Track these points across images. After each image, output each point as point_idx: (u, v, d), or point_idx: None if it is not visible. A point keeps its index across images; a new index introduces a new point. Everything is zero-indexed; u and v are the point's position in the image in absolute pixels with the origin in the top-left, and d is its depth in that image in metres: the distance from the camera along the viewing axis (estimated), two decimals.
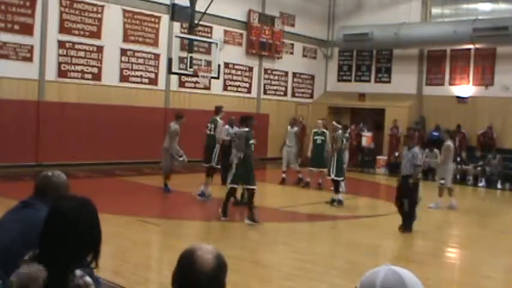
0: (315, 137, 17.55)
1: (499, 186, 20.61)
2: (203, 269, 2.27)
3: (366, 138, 23.21)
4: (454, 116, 23.48)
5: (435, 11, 25.77)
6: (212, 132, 14.65)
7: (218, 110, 15.00)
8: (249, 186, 12.01)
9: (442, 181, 15.14)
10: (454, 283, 8.90)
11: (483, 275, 9.25)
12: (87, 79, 19.17)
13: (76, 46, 18.81)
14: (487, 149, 21.91)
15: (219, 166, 14.84)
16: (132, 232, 10.53)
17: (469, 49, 23.74)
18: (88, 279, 2.68)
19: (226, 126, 16.22)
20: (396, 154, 23.37)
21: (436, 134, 23.88)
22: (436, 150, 21.87)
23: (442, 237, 12.34)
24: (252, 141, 12.09)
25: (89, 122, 18.84)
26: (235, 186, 12.15)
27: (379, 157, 23.89)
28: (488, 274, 9.30)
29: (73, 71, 18.79)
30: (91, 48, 19.18)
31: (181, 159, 15.28)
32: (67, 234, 2.67)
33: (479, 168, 21.04)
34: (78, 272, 2.66)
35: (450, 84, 24.74)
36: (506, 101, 22.75)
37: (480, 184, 20.81)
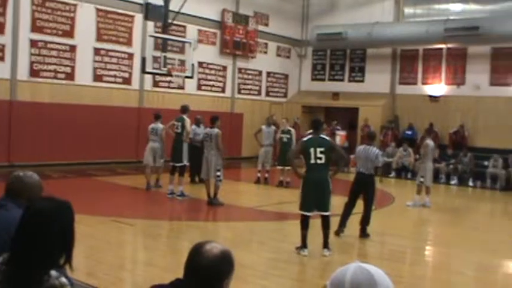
0: (281, 135, 17.66)
1: (470, 183, 20.90)
2: (205, 255, 2.53)
3: (340, 137, 23.32)
4: (426, 115, 23.75)
5: (408, 11, 26.00)
6: (180, 131, 14.67)
7: (185, 109, 15.01)
8: (322, 213, 9.45)
9: (422, 179, 15.27)
10: (427, 280, 8.99)
11: (455, 272, 9.37)
12: (60, 78, 19.01)
13: (48, 45, 18.64)
14: (459, 147, 22.17)
15: (188, 164, 14.91)
16: (105, 232, 10.47)
17: (441, 49, 24.02)
18: (64, 279, 2.67)
19: (193, 126, 16.23)
20: None
21: (409, 132, 24.13)
22: (410, 149, 22.18)
23: (415, 235, 12.46)
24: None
25: (62, 122, 18.68)
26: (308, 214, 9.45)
27: (352, 156, 23.96)
28: (460, 270, 9.42)
29: (46, 71, 18.62)
30: (64, 48, 19.02)
31: (162, 160, 15.57)
32: (40, 234, 2.67)
33: (451, 166, 21.29)
34: (53, 273, 2.65)
35: (423, 83, 24.99)
36: (477, 100, 23.07)
37: (452, 182, 21.06)
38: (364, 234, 10.91)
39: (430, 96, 24.54)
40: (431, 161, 15.67)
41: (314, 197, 9.29)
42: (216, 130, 13.65)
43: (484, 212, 16.74)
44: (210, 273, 2.52)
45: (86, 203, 12.11)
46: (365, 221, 10.96)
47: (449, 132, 23.27)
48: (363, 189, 11.02)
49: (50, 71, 18.72)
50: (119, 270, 8.44)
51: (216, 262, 2.53)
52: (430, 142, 15.59)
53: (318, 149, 9.23)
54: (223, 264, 2.56)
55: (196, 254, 2.55)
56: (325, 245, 9.38)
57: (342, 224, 10.94)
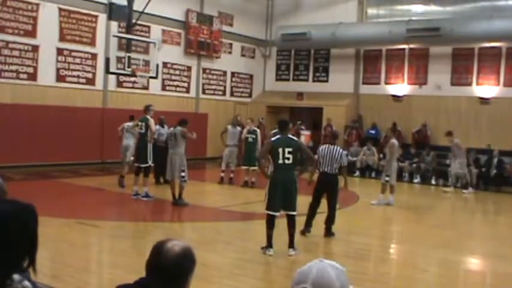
0: (247, 135, 17.69)
1: (433, 182, 21.22)
2: (168, 254, 2.53)
3: (305, 137, 23.45)
4: (390, 114, 24.02)
5: (371, 11, 26.26)
6: (143, 131, 14.56)
7: (147, 108, 14.85)
8: (289, 212, 9.51)
9: (387, 178, 15.45)
10: (391, 277, 9.12)
11: (419, 269, 9.54)
12: (23, 79, 18.73)
13: (10, 45, 18.35)
14: (422, 146, 22.50)
15: (153, 164, 14.83)
16: (70, 234, 10.37)
17: (404, 49, 24.34)
18: (27, 283, 2.65)
19: (157, 126, 16.16)
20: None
21: (373, 132, 24.39)
22: (373, 148, 22.45)
23: (380, 233, 12.62)
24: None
25: (24, 123, 18.40)
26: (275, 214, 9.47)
27: (315, 156, 24.11)
28: (423, 267, 9.59)
29: (7, 71, 18.33)
30: (26, 48, 18.75)
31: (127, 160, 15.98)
32: (3, 238, 2.64)
33: (414, 165, 21.58)
34: (16, 277, 2.62)
35: (386, 83, 25.28)
36: (438, 99, 23.45)
37: (415, 180, 21.36)
38: (329, 233, 11.01)
39: (393, 95, 24.84)
40: (396, 160, 15.89)
41: (281, 197, 9.31)
42: (179, 128, 13.66)
43: (446, 210, 17.01)
44: (174, 272, 2.54)
45: (49, 205, 11.98)
46: (330, 221, 11.05)
47: (412, 132, 23.59)
48: (327, 189, 11.09)
49: (11, 71, 18.44)
50: (84, 273, 8.38)
51: (178, 260, 2.54)
52: (395, 141, 15.79)
53: (286, 149, 9.26)
54: (186, 262, 2.58)
55: (158, 253, 2.55)
56: (291, 244, 9.43)
57: (308, 224, 11.01)
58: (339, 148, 11.23)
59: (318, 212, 11.15)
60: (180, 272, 2.56)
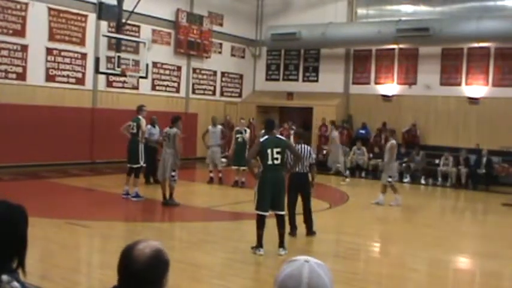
0: (237, 135, 17.66)
1: (422, 181, 21.29)
2: (138, 258, 2.39)
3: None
4: (380, 114, 24.08)
5: (361, 11, 26.32)
6: (135, 131, 14.52)
7: (140, 109, 14.83)
8: (278, 212, 9.61)
9: (390, 179, 15.46)
10: (382, 277, 9.13)
11: (409, 268, 9.55)
12: (11, 79, 18.63)
13: None
14: (411, 146, 22.55)
15: (145, 165, 14.80)
16: (60, 235, 10.33)
17: (393, 49, 24.40)
18: (16, 284, 2.64)
19: (149, 126, 16.10)
20: (324, 152, 23.73)
21: (363, 132, 24.44)
22: (363, 148, 22.50)
23: (370, 233, 12.61)
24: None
25: (13, 123, 18.28)
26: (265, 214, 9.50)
27: None
28: (414, 267, 9.61)
29: None
30: (15, 47, 18.65)
31: None
32: None
33: (404, 165, 21.63)
34: (5, 277, 2.61)
35: (376, 83, 25.33)
36: (428, 99, 23.53)
37: (405, 180, 21.40)
38: (310, 232, 10.97)
39: (383, 95, 24.91)
40: (394, 160, 15.92)
41: (271, 197, 9.34)
42: (174, 130, 13.63)
43: (435, 209, 17.07)
44: (146, 277, 2.41)
45: (39, 205, 11.92)
46: (309, 219, 11.01)
47: (402, 131, 23.64)
48: (300, 189, 11.01)
49: (0, 71, 18.34)
50: (74, 273, 8.34)
51: (150, 264, 2.41)
52: (394, 142, 15.75)
53: (275, 150, 9.31)
54: (158, 264, 2.45)
55: (128, 258, 2.42)
56: (281, 244, 9.45)
57: (293, 225, 10.97)
58: (306, 146, 11.20)
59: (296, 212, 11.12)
60: (154, 276, 2.44)
